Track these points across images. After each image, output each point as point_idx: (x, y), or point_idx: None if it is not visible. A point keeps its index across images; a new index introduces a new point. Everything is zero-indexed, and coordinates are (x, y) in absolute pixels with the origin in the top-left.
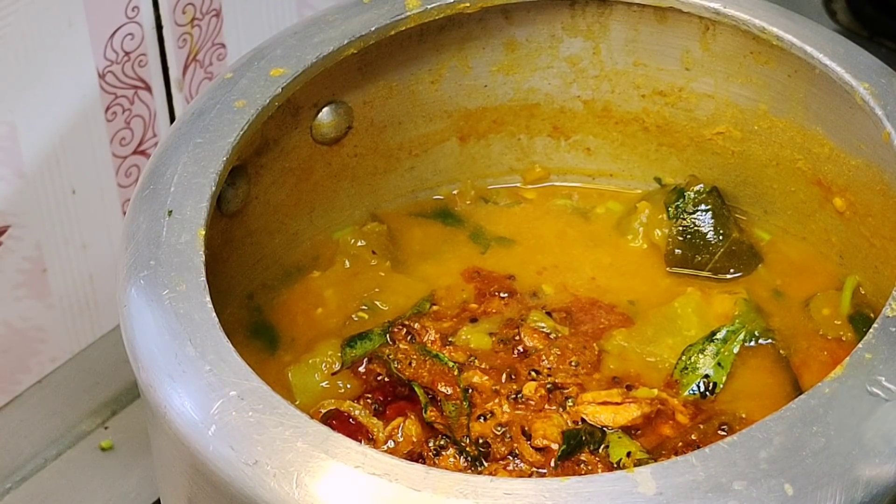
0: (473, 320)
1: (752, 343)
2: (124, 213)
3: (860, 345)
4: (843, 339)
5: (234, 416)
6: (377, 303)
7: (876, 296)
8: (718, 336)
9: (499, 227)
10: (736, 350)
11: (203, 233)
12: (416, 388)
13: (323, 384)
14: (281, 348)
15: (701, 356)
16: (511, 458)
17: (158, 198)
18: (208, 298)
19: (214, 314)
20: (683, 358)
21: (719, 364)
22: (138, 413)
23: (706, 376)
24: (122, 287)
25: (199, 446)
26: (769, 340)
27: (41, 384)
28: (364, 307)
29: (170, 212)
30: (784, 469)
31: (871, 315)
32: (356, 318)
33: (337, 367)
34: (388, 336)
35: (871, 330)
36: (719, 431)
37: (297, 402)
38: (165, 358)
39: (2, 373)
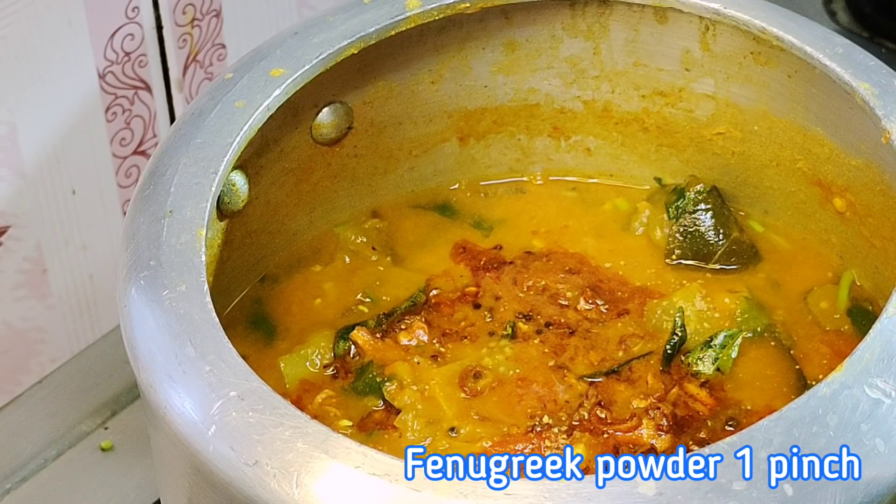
0: (477, 307)
1: (753, 335)
2: (124, 214)
3: (860, 345)
4: (842, 330)
5: (234, 417)
6: (376, 296)
7: (874, 291)
8: (716, 342)
9: (497, 212)
10: (734, 355)
11: (203, 233)
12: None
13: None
14: (278, 337)
15: (700, 362)
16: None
17: (158, 198)
18: (208, 298)
19: (214, 314)
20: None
21: (718, 370)
22: (138, 413)
23: (705, 382)
24: (122, 287)
25: (199, 446)
26: (772, 333)
27: (41, 384)
28: (363, 300)
29: (170, 212)
30: (784, 469)
31: (870, 308)
32: (355, 311)
33: (329, 358)
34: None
35: (870, 331)
36: (726, 427)
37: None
38: (165, 358)
39: (2, 373)
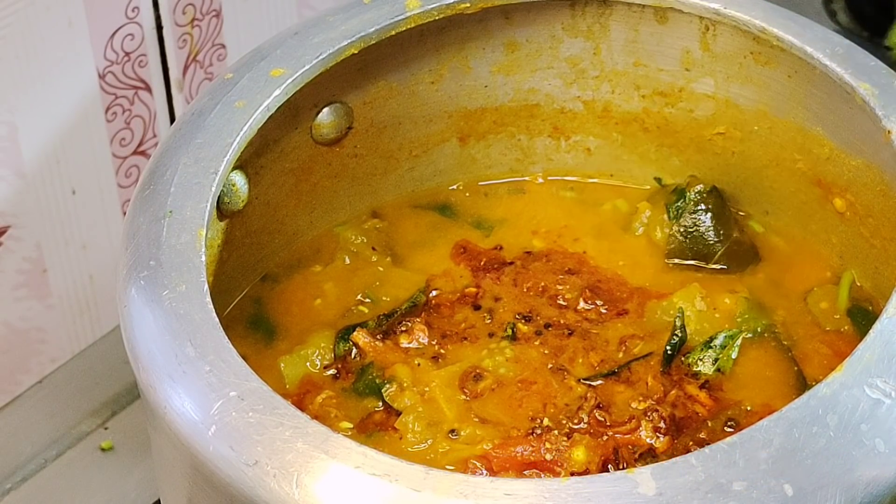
0: (477, 308)
1: (753, 336)
2: (124, 214)
3: (860, 345)
4: (842, 330)
5: (234, 417)
6: (377, 296)
7: (874, 291)
8: (716, 342)
9: (497, 212)
10: (734, 355)
11: (203, 233)
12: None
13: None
14: (278, 338)
15: (700, 363)
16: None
17: (158, 198)
18: (208, 298)
19: (214, 314)
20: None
21: (719, 370)
22: (138, 413)
23: (706, 383)
24: (122, 287)
25: (199, 447)
26: (772, 333)
27: (41, 384)
28: (363, 300)
29: (170, 212)
30: (784, 470)
31: (870, 308)
32: (355, 311)
33: (329, 359)
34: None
35: (871, 331)
36: (726, 428)
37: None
38: (165, 358)
39: (2, 373)
